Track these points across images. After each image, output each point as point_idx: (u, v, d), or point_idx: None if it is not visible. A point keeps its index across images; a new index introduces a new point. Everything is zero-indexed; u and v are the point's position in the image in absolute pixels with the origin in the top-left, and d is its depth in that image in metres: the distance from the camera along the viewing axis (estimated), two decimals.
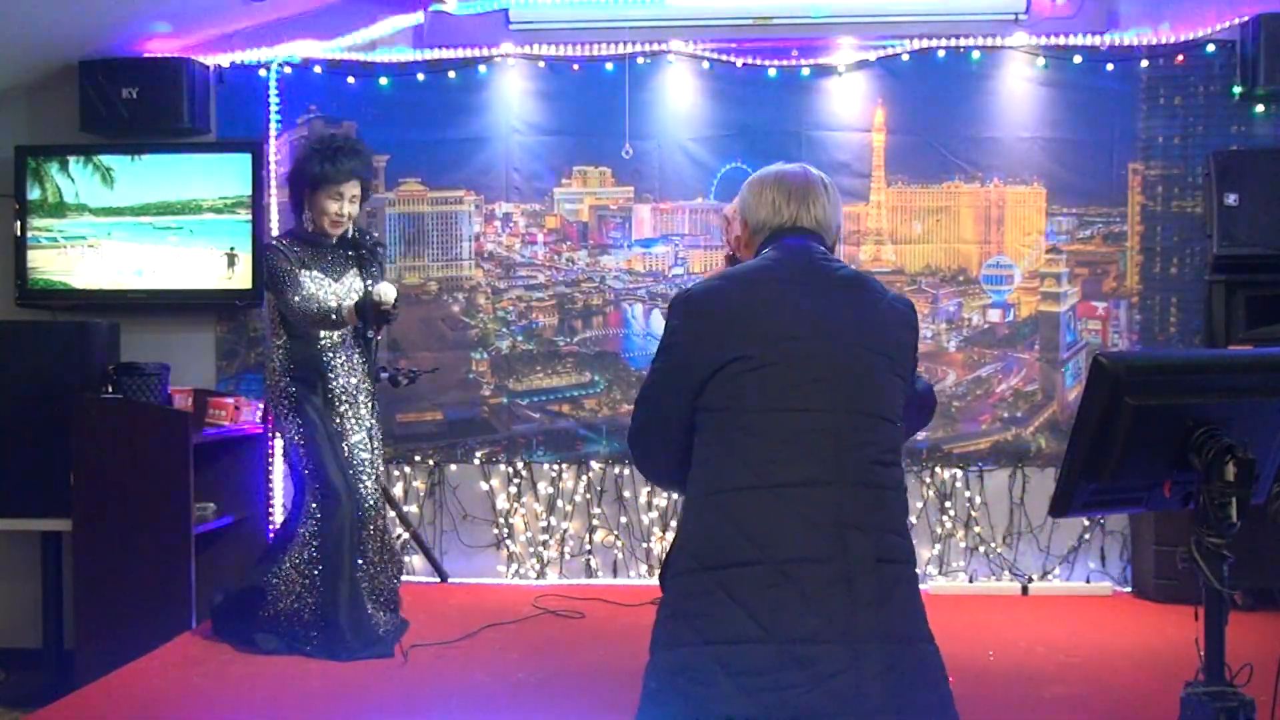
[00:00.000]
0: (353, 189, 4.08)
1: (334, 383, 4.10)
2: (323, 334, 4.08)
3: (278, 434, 4.17)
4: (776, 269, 2.15)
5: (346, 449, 4.07)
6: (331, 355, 4.10)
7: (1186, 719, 2.04)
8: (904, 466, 2.16)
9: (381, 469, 4.24)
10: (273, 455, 5.05)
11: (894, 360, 2.10)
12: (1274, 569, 4.20)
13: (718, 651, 1.89)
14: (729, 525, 1.96)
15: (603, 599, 4.71)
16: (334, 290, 4.06)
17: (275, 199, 5.08)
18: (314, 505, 3.97)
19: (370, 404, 4.17)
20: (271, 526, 4.93)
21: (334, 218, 4.06)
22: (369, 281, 4.07)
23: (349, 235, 4.15)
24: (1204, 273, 4.95)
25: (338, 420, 4.09)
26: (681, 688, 1.91)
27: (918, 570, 2.08)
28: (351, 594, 3.94)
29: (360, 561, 4.03)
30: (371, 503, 4.09)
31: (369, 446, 4.13)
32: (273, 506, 5.04)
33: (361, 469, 4.09)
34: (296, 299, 3.97)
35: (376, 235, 4.42)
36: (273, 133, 5.14)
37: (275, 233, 4.94)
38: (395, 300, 3.97)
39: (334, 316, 3.96)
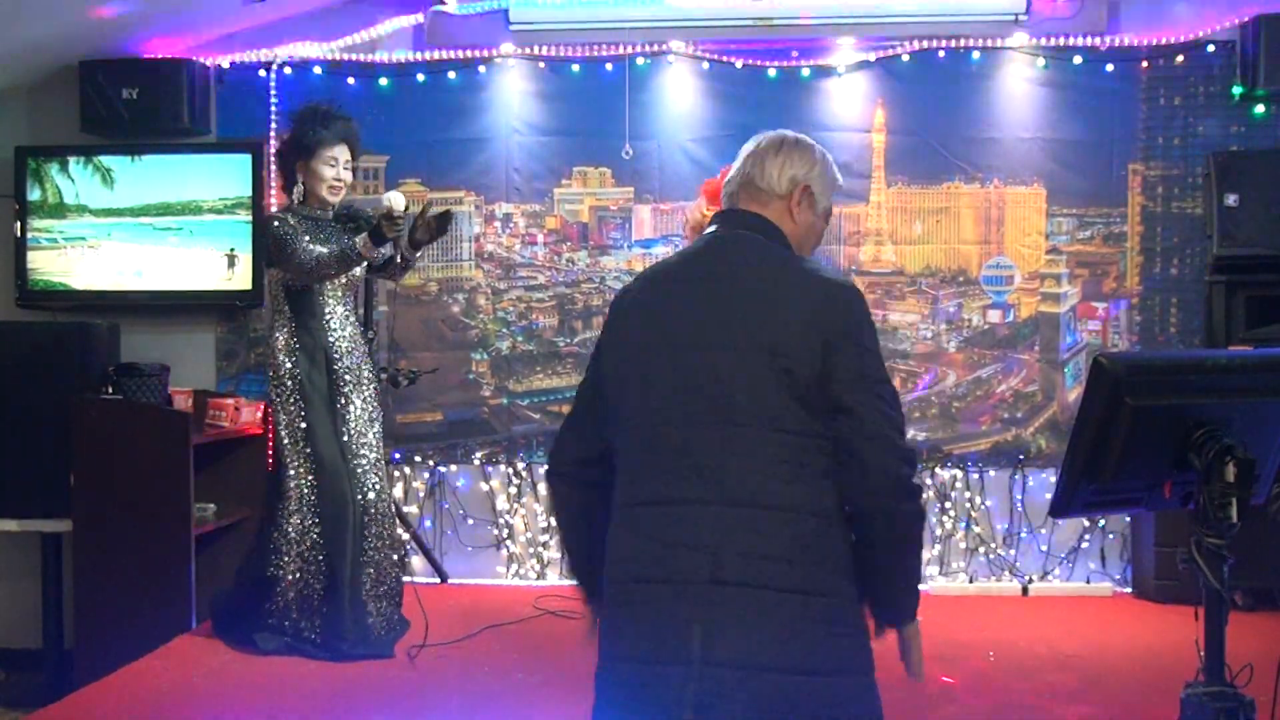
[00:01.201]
0: (345, 154, 4.09)
1: (338, 364, 4.06)
2: (326, 312, 4.04)
3: (274, 420, 4.10)
4: (688, 263, 2.11)
5: (348, 433, 4.04)
6: (335, 337, 4.06)
7: (1186, 719, 2.04)
8: (818, 481, 1.91)
9: (382, 454, 4.17)
10: (272, 455, 5.02)
11: (793, 361, 1.89)
12: (1274, 569, 4.20)
13: (600, 655, 2.00)
14: (609, 540, 2.01)
15: None
16: None
17: (275, 200, 5.08)
18: (307, 492, 3.95)
19: (373, 385, 4.16)
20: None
21: (332, 183, 4.06)
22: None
23: (342, 209, 4.16)
24: (1204, 273, 4.94)
25: (342, 402, 4.05)
26: (597, 685, 2.01)
27: (831, 598, 1.88)
28: (353, 579, 3.92)
29: (364, 545, 4.00)
30: (371, 485, 4.04)
31: (372, 430, 4.09)
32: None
33: (363, 453, 4.05)
34: (304, 252, 3.93)
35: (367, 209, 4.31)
36: (273, 133, 5.12)
37: None
38: (406, 206, 3.92)
39: (350, 253, 3.92)
